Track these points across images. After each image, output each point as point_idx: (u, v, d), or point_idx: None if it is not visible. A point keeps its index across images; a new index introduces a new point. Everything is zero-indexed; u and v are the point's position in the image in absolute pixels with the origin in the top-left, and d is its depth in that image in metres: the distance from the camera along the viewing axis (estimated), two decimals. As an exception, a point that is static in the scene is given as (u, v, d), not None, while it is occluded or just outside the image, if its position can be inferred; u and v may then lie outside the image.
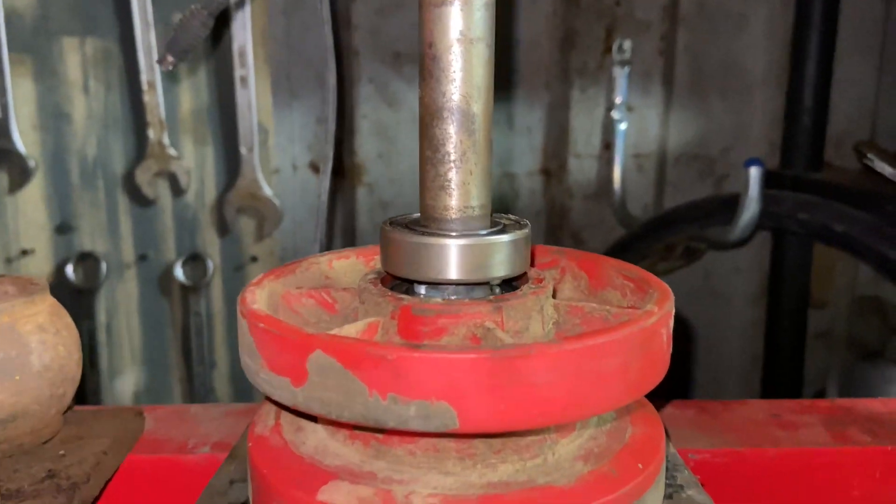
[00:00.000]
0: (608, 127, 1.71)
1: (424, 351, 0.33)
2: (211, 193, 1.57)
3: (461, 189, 0.41)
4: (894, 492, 0.57)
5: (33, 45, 1.45)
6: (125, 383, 1.62)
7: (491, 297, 0.41)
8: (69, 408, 0.56)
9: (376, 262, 0.53)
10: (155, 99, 1.49)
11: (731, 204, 1.25)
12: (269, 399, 0.42)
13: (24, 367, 0.49)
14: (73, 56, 1.48)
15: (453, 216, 0.41)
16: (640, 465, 0.39)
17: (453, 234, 0.41)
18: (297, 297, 0.46)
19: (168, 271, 1.58)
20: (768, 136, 1.76)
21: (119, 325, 1.60)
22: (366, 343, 0.34)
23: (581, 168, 1.78)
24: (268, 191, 1.56)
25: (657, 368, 0.38)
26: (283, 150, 1.66)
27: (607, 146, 1.73)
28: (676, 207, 1.48)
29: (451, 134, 0.41)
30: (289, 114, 1.65)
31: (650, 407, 0.46)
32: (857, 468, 0.56)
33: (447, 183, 0.41)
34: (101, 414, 0.57)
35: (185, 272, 1.58)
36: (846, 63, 1.69)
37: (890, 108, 1.77)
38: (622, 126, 1.68)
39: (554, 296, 0.49)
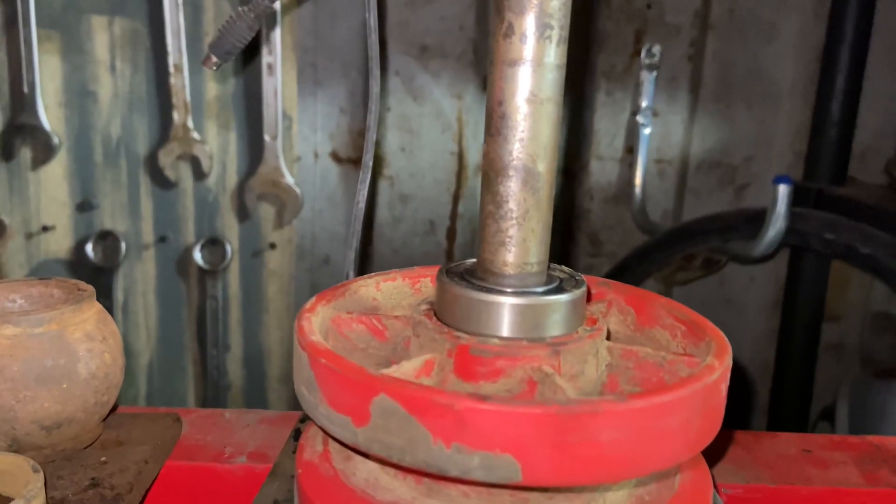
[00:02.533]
0: (632, 131, 1.70)
1: (492, 403, 0.33)
2: (232, 179, 1.57)
3: (521, 246, 0.41)
4: (923, 535, 0.57)
5: (62, 22, 1.45)
6: (139, 362, 1.63)
7: (549, 339, 0.41)
8: (111, 412, 0.56)
9: (422, 285, 0.53)
10: (181, 82, 1.49)
11: (756, 219, 1.24)
12: (326, 433, 0.42)
13: (71, 375, 0.49)
14: (102, 35, 1.47)
15: (511, 272, 0.42)
16: (690, 517, 0.39)
17: (509, 290, 0.41)
18: (348, 322, 0.46)
19: (187, 254, 1.59)
20: (792, 147, 1.74)
21: (136, 305, 1.61)
22: (432, 390, 0.34)
23: (603, 170, 1.77)
24: (289, 179, 1.56)
25: (715, 424, 0.38)
26: (305, 139, 1.66)
27: (630, 150, 1.72)
28: (700, 219, 1.47)
29: (515, 191, 0.41)
30: (313, 102, 1.64)
31: (701, 459, 0.46)
32: (887, 510, 0.57)
33: (508, 239, 0.41)
34: (139, 418, 0.58)
35: (203, 255, 1.59)
36: (875, 77, 1.68)
37: (917, 124, 1.75)
38: (646, 131, 1.67)
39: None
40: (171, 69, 1.48)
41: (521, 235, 0.42)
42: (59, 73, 1.47)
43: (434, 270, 0.51)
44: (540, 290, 0.42)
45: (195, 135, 1.51)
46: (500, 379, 0.39)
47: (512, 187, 0.41)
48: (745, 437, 0.63)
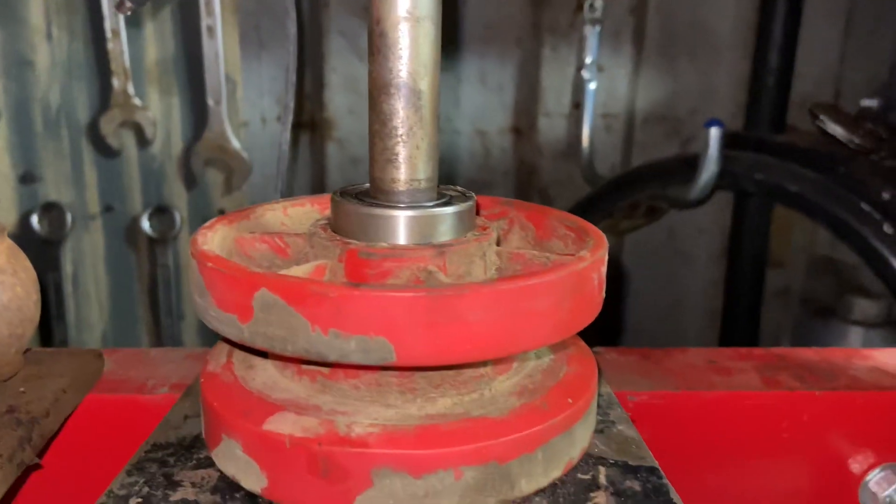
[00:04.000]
0: (578, 86, 1.72)
1: (364, 289, 0.35)
2: (178, 145, 1.56)
3: (408, 163, 0.43)
4: (821, 434, 0.61)
5: (-7, -10, 1.41)
6: (92, 335, 1.63)
7: (435, 243, 0.43)
8: (28, 349, 0.57)
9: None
10: (119, 47, 1.47)
11: (692, 164, 1.28)
12: (221, 338, 0.44)
13: (-19, 307, 0.50)
14: (36, 2, 1.44)
15: (400, 188, 0.43)
16: (570, 400, 0.41)
17: (401, 205, 0.43)
18: (251, 242, 0.47)
19: (134, 223, 1.58)
20: (735, 98, 1.78)
21: (86, 277, 1.60)
22: (308, 281, 0.36)
23: (551, 127, 1.80)
24: (236, 144, 1.55)
25: (588, 310, 0.40)
26: (251, 104, 1.65)
27: (577, 105, 1.74)
28: (639, 167, 1.50)
29: (399, 109, 0.42)
30: (258, 66, 1.63)
31: (586, 349, 0.48)
32: (786, 412, 0.60)
33: (394, 157, 0.43)
34: (60, 355, 0.59)
35: (151, 224, 1.58)
36: (812, 26, 1.71)
37: (853, 71, 1.80)
38: (592, 85, 1.69)
39: (500, 245, 0.51)
40: (109, 34, 1.46)
41: (407, 153, 0.43)
42: (-6, 43, 1.44)
43: (342, 195, 0.53)
44: (429, 204, 0.44)
45: (136, 101, 1.50)
46: (388, 280, 0.41)
47: (395, 105, 0.43)
48: (655, 353, 0.66)
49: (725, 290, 1.82)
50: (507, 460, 0.38)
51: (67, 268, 1.59)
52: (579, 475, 0.42)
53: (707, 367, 0.64)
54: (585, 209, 1.48)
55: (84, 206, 1.56)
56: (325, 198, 0.55)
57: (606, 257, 0.43)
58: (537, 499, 0.39)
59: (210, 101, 1.53)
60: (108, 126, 1.50)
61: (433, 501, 0.37)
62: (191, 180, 1.58)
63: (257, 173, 1.65)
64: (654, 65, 1.79)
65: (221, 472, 0.41)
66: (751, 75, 1.68)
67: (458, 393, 0.41)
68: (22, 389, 0.53)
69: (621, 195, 1.40)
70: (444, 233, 0.43)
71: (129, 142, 1.53)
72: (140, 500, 0.39)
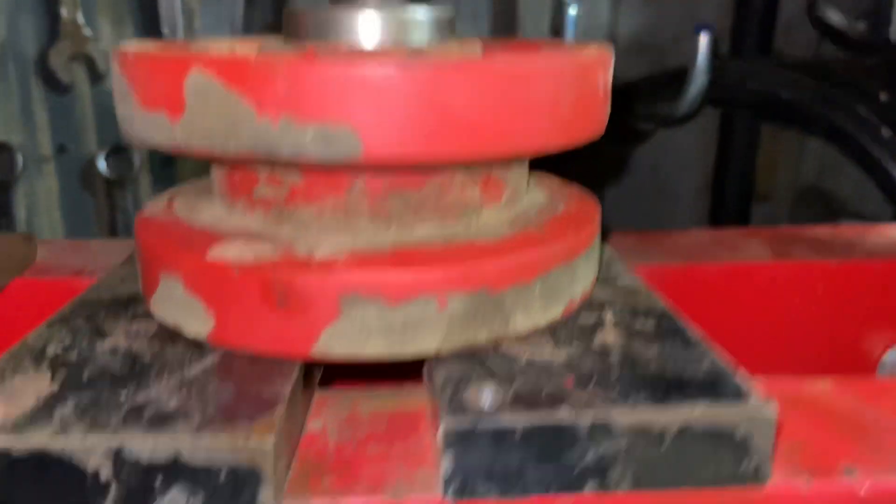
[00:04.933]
0: (557, 11, 1.64)
1: (324, 63, 0.28)
2: (134, 79, 1.46)
3: None
4: (835, 306, 0.56)
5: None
6: (52, 284, 1.54)
7: (409, 48, 0.36)
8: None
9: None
10: (66, -28, 1.36)
11: (679, 78, 1.21)
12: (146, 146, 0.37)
13: None
14: (-30, -79, 1.33)
15: None
16: (570, 231, 0.35)
17: (368, 5, 0.36)
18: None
19: (90, 165, 1.49)
20: (720, 24, 1.71)
21: (40, 223, 1.51)
22: (251, 57, 0.29)
23: (528, 57, 1.72)
24: (196, 76, 1.45)
25: (592, 115, 0.34)
26: (212, 33, 1.55)
27: (556, 32, 1.66)
28: (624, 83, 1.44)
29: None
30: (217, -6, 1.53)
31: (586, 191, 0.42)
32: (798, 283, 0.55)
33: None
34: (-16, 238, 0.52)
35: (109, 165, 1.49)
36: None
37: (839, -4, 1.74)
38: (572, 10, 1.60)
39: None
40: (53, -43, 1.35)
41: None
42: (-71, -29, 1.33)
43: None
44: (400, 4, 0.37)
45: (87, 31, 1.39)
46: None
47: None
48: (654, 234, 0.61)
49: (710, 224, 1.77)
50: (499, 288, 0.32)
51: (20, 213, 1.49)
52: (582, 318, 0.35)
53: (712, 243, 0.58)
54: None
55: (35, 146, 1.46)
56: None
57: (612, 64, 0.36)
58: (535, 336, 0.33)
59: (165, 31, 1.43)
60: (57, 59, 1.40)
61: (414, 334, 0.31)
62: (150, 117, 1.48)
63: (221, 110, 1.56)
64: (635, -10, 1.71)
65: (161, 324, 0.34)
66: (735, -1, 1.62)
67: (440, 220, 0.34)
68: (-66, 267, 0.45)
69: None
70: (420, 38, 0.36)
71: (80, 77, 1.43)
72: (62, 347, 0.32)
